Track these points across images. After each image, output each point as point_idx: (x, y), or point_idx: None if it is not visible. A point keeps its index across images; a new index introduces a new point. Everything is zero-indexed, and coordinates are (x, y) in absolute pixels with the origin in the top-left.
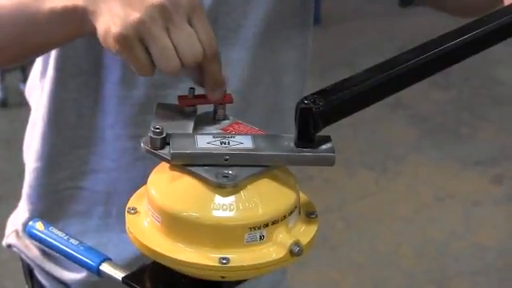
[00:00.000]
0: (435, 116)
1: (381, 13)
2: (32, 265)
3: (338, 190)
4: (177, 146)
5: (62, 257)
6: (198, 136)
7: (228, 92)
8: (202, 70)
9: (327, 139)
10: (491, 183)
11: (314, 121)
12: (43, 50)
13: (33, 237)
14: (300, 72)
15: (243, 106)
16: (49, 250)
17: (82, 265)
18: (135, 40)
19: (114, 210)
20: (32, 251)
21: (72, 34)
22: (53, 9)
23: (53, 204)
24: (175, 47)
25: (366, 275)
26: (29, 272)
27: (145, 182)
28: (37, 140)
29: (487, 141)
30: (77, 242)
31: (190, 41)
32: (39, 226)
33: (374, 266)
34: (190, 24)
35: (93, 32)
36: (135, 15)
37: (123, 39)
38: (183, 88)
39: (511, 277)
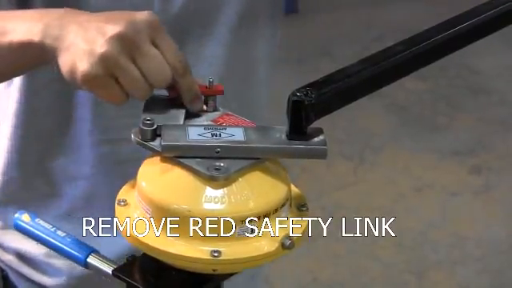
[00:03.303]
0: (412, 106)
1: (357, 2)
2: (6, 268)
3: (316, 179)
4: (168, 138)
5: (40, 261)
6: (189, 128)
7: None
8: (177, 86)
9: (319, 131)
10: (469, 173)
11: (306, 113)
12: (8, 77)
13: (19, 229)
14: (271, 64)
15: (220, 102)
16: (26, 254)
17: (69, 257)
18: (105, 76)
19: (95, 215)
20: (6, 255)
21: (34, 64)
22: (11, 42)
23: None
24: (144, 75)
25: (344, 265)
26: (2, 275)
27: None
28: (7, 150)
29: (464, 131)
30: (64, 234)
31: (157, 65)
32: (25, 217)
33: (352, 256)
34: (154, 45)
35: (55, 64)
36: (100, 51)
37: (93, 79)
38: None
39: (489, 266)
